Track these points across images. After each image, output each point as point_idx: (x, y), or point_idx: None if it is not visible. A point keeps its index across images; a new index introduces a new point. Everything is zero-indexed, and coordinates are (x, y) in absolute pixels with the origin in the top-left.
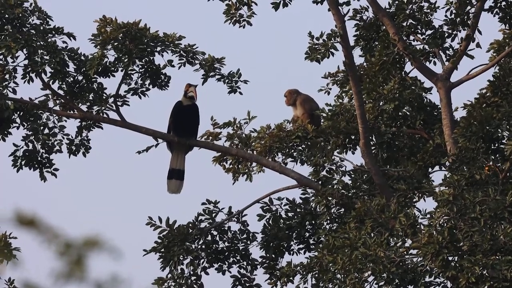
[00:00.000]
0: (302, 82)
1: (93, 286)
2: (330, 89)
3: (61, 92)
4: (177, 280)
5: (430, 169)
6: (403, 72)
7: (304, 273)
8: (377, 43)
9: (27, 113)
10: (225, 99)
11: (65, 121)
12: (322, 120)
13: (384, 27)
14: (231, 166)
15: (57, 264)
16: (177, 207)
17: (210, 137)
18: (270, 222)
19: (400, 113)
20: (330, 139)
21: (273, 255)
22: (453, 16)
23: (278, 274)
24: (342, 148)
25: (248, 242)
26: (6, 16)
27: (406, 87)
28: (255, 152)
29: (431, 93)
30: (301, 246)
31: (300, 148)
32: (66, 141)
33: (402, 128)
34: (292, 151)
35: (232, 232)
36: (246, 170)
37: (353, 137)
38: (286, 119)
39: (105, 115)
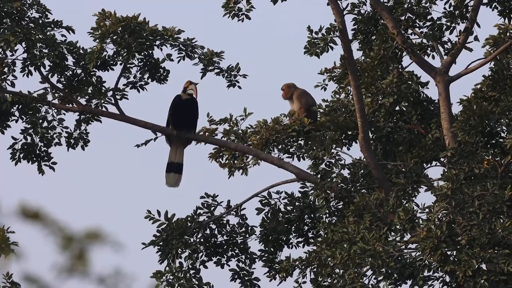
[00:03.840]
0: (300, 78)
1: (95, 280)
2: (327, 85)
3: (60, 85)
4: (176, 274)
5: (424, 165)
6: (399, 66)
7: (303, 267)
8: (375, 37)
9: (26, 106)
10: (223, 93)
11: (64, 114)
12: (319, 116)
13: (382, 21)
14: (227, 161)
15: (59, 258)
16: (175, 200)
17: (207, 133)
18: (269, 215)
19: (397, 108)
20: (327, 133)
21: (272, 249)
22: (452, 8)
23: (277, 267)
24: (339, 143)
25: (247, 236)
26: (5, 9)
27: (404, 81)
28: (251, 145)
29: (427, 88)
30: (300, 239)
31: (296, 144)
32: (64, 134)
33: (399, 123)
34: (289, 147)
35: (231, 225)
36: (242, 164)
37: (349, 132)
38: (283, 113)
39: (104, 109)
